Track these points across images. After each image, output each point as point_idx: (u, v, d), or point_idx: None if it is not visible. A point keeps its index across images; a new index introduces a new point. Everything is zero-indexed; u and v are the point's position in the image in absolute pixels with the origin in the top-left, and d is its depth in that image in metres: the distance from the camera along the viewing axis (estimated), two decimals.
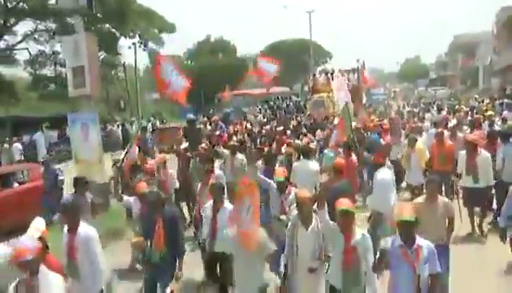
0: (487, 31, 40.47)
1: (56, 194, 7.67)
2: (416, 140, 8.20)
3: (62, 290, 3.28)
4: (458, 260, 4.90)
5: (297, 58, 44.40)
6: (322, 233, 3.91)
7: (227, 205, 4.81)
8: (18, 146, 15.92)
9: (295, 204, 4.25)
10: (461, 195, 7.02)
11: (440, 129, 8.65)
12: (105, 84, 28.00)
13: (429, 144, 8.35)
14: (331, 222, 3.88)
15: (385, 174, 5.76)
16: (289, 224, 4.19)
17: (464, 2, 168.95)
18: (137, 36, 22.99)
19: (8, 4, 21.10)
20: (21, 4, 20.98)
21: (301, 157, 6.96)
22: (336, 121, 13.29)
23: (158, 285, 4.50)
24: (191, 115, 11.49)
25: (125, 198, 6.00)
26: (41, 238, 3.56)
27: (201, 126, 13.39)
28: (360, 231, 3.82)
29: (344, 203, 3.69)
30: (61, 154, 16.42)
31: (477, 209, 6.88)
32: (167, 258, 4.41)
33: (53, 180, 7.78)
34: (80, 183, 5.51)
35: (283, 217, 4.88)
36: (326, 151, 8.30)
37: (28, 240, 3.37)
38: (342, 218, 3.67)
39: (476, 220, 6.81)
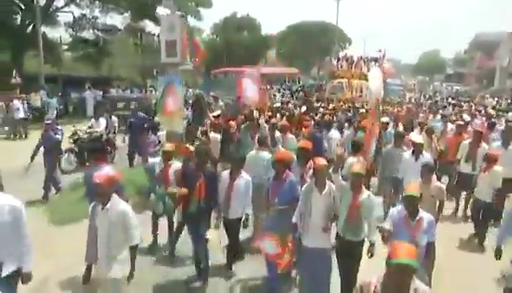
0: (508, 31, 40.89)
1: (57, 153, 8.25)
2: (433, 131, 8.56)
3: (130, 219, 3.71)
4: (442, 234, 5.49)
5: (316, 40, 44.87)
6: (333, 196, 4.30)
7: (244, 175, 5.16)
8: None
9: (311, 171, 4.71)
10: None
11: (460, 122, 9.11)
12: (140, 52, 29.63)
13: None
14: (344, 182, 4.50)
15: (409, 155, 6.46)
16: (304, 187, 4.50)
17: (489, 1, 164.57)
18: (178, 9, 24.42)
19: None
20: None
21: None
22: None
23: (195, 233, 4.89)
24: (200, 91, 12.84)
25: (150, 159, 6.55)
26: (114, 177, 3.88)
27: (211, 100, 13.95)
28: (367, 192, 4.37)
29: (356, 167, 4.39)
30: (105, 110, 18.22)
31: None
32: (204, 210, 4.75)
33: (52, 139, 7.93)
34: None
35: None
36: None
37: (105, 170, 3.99)
38: (354, 178, 4.28)
39: (461, 203, 7.60)
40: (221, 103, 13.21)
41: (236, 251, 5.44)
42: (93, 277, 3.83)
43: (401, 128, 9.26)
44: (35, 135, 12.56)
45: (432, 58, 78.67)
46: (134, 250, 3.80)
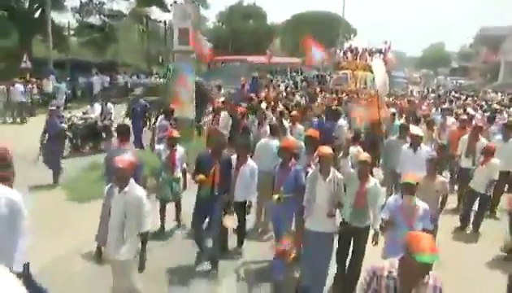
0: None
1: (61, 142, 8.14)
2: (434, 123, 8.83)
3: (145, 206, 3.75)
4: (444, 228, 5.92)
5: (320, 30, 44.65)
6: (337, 183, 4.40)
7: (250, 162, 5.34)
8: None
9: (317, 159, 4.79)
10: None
11: (464, 116, 9.23)
12: (145, 38, 29.75)
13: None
14: (352, 170, 4.76)
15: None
16: (309, 174, 4.68)
17: None
18: None
19: None
20: None
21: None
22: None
23: (209, 217, 5.00)
24: (199, 79, 12.89)
25: (156, 146, 6.67)
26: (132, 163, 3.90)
27: (213, 88, 14.14)
28: (374, 180, 4.56)
29: (363, 155, 4.69)
30: (112, 95, 18.35)
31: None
32: (218, 196, 4.90)
33: (57, 127, 7.92)
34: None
35: (310, 170, 5.04)
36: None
37: (127, 155, 4.05)
38: (361, 166, 4.51)
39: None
40: (223, 92, 13.37)
41: (243, 232, 5.65)
42: (104, 256, 3.91)
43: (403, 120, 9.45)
44: (35, 120, 12.74)
45: (437, 51, 78.29)
46: (145, 236, 3.82)
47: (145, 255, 3.83)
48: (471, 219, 6.77)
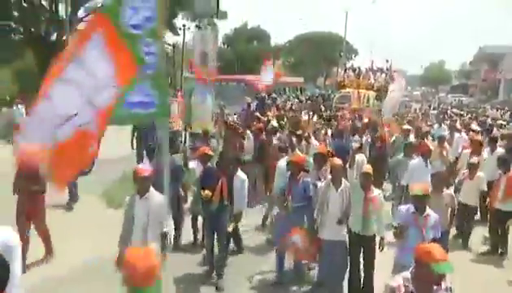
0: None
1: None
2: (445, 139, 8.68)
3: (164, 209, 4.00)
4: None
5: (322, 50, 45.69)
6: (348, 193, 4.73)
7: (240, 174, 5.59)
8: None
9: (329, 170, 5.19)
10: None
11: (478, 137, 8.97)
12: None
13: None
14: (355, 179, 5.12)
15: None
16: (322, 185, 5.00)
17: (494, 14, 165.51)
18: (197, 20, 25.68)
19: None
20: None
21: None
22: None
23: (217, 229, 5.27)
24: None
25: (190, 164, 6.77)
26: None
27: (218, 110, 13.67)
28: (377, 190, 4.84)
29: (366, 167, 4.99)
30: None
31: None
32: (225, 208, 5.21)
33: None
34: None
35: (319, 183, 5.26)
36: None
37: (147, 165, 4.53)
38: (363, 178, 4.79)
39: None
40: (227, 112, 13.50)
41: (240, 240, 6.13)
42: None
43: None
44: None
45: (437, 69, 79.51)
46: (165, 237, 4.17)
47: (167, 256, 4.15)
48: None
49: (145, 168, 4.26)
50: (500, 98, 43.12)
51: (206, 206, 5.27)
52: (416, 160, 6.78)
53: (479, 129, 10.70)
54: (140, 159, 9.68)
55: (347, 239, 4.84)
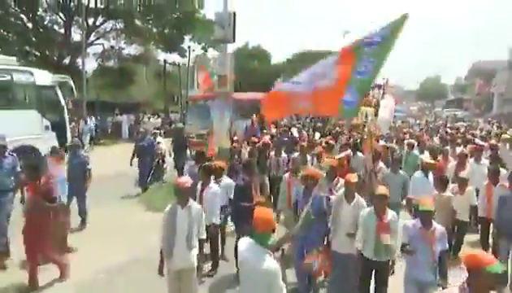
0: (504, 60, 43.11)
1: (81, 183, 7.49)
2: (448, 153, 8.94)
3: (203, 217, 4.45)
4: None
5: None
6: (360, 208, 4.75)
7: (212, 185, 5.70)
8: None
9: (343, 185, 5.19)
10: None
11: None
12: (162, 80, 32.10)
13: None
14: (362, 200, 4.92)
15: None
16: (334, 199, 5.00)
17: (484, 30, 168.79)
18: (203, 42, 27.12)
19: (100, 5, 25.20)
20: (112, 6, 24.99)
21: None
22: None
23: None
24: (180, 124, 13.78)
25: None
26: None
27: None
28: (391, 212, 4.59)
29: (381, 189, 4.63)
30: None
31: None
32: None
33: (80, 167, 7.47)
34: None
35: (332, 197, 5.19)
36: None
37: (188, 178, 4.76)
38: (378, 200, 4.50)
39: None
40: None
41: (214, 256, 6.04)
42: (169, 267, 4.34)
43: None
44: None
45: (434, 84, 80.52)
46: (203, 242, 4.51)
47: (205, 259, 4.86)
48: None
49: (187, 180, 4.49)
50: (494, 111, 43.97)
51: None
52: (417, 174, 7.00)
53: (482, 142, 10.29)
54: (180, 172, 9.92)
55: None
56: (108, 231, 7.41)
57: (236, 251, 5.44)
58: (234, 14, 9.64)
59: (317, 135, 15.02)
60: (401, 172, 7.13)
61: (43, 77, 11.62)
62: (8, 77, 10.55)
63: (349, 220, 4.76)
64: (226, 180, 6.22)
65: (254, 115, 15.13)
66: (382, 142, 11.23)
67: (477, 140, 11.71)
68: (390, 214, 4.56)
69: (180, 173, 9.38)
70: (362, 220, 4.60)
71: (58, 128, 11.52)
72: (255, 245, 3.15)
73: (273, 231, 3.18)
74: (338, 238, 4.83)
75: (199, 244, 4.45)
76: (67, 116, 12.21)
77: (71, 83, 13.08)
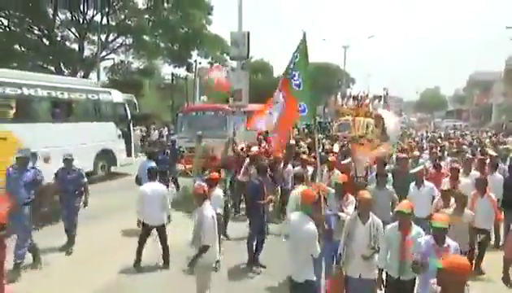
0: (500, 71, 44.13)
1: (75, 199, 7.12)
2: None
3: (213, 220, 4.72)
4: None
5: (321, 80, 47.78)
6: (376, 227, 4.39)
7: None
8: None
9: (355, 203, 4.91)
10: None
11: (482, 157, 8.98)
12: (170, 93, 33.14)
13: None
14: (377, 218, 4.50)
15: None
16: (348, 218, 4.69)
17: (483, 42, 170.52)
18: (210, 57, 28.28)
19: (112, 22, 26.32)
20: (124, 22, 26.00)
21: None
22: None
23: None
24: (173, 137, 14.12)
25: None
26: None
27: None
28: (416, 228, 4.35)
29: (405, 205, 4.34)
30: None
31: None
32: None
33: (74, 181, 7.06)
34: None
35: (342, 214, 5.08)
36: None
37: (201, 183, 5.32)
38: (402, 217, 4.25)
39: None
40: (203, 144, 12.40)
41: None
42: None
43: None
44: None
45: (433, 95, 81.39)
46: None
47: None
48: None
49: (201, 186, 5.02)
50: (492, 121, 44.77)
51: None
52: (411, 186, 6.79)
53: (494, 154, 9.82)
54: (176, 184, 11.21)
55: (375, 279, 4.48)
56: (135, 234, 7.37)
57: (249, 244, 6.50)
58: (248, 33, 10.61)
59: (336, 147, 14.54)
60: (387, 187, 6.51)
61: (117, 96, 14.16)
62: (96, 97, 13.07)
63: (363, 242, 4.40)
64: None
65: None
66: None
67: (490, 151, 11.12)
68: (415, 230, 4.36)
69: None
70: (385, 238, 4.41)
71: (125, 136, 14.29)
72: (301, 213, 4.19)
73: (314, 204, 4.21)
74: (352, 261, 4.47)
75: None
76: (132, 127, 14.75)
77: (135, 100, 15.64)
